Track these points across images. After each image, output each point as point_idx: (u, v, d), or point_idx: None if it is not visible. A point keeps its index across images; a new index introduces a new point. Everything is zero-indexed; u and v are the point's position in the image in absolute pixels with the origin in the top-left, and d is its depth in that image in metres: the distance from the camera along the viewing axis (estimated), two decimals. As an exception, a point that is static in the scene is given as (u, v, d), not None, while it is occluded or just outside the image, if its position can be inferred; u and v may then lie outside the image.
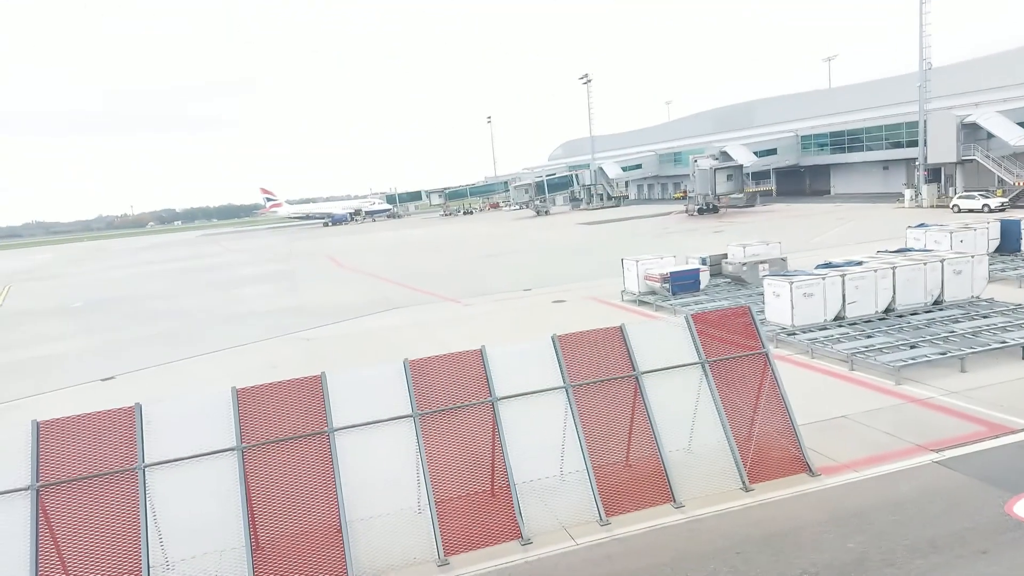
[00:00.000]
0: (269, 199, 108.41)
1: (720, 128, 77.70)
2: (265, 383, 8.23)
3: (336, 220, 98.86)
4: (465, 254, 41.77)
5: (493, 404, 8.46)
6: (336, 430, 8.00)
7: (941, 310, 16.00)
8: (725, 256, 22.37)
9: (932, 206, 43.19)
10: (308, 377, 8.32)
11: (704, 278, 20.94)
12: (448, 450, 8.31)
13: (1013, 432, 9.69)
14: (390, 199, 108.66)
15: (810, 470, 8.94)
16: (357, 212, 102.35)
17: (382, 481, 8.14)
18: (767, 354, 9.44)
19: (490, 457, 8.38)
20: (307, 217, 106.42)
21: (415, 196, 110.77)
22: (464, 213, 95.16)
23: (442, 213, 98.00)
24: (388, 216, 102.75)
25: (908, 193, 46.02)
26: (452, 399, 8.44)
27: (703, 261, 21.69)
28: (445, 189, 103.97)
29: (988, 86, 48.64)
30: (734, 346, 9.51)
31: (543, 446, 8.64)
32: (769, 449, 9.06)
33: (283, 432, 7.91)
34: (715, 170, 53.30)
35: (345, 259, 45.64)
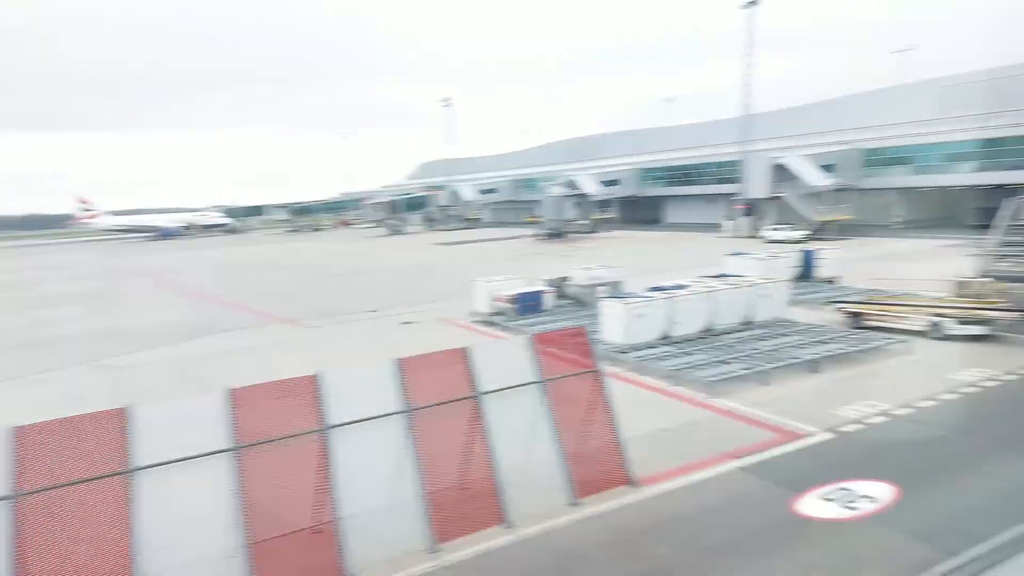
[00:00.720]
0: (85, 208, 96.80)
1: (570, 158, 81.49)
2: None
3: (166, 234, 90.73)
4: (310, 273, 40.33)
5: (324, 433, 8.05)
6: (136, 470, 7.20)
7: (750, 330, 17.97)
8: (567, 279, 23.67)
9: (748, 236, 47.99)
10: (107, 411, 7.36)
11: (548, 299, 22.04)
12: (269, 486, 7.67)
13: (800, 437, 11.13)
14: (231, 213, 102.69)
15: (632, 482, 9.60)
16: (190, 226, 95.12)
17: (186, 525, 7.37)
18: (600, 372, 10.04)
19: (317, 491, 7.92)
20: (131, 230, 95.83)
21: (256, 211, 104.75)
22: (313, 230, 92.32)
23: (288, 229, 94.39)
24: (226, 231, 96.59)
25: (728, 224, 51.08)
26: (280, 430, 7.92)
27: (548, 283, 22.86)
28: (292, 204, 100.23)
29: (796, 132, 55.13)
30: (571, 364, 10.02)
31: (378, 475, 8.35)
32: (597, 463, 9.61)
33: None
34: (564, 198, 56.06)
35: (172, 277, 42.29)
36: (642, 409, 12.52)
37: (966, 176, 44.64)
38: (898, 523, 8.32)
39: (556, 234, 55.23)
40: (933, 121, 46.26)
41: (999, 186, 38.82)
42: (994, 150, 42.50)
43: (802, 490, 9.24)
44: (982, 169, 43.07)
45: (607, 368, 11.12)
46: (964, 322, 16.59)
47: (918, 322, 17.19)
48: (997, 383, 13.53)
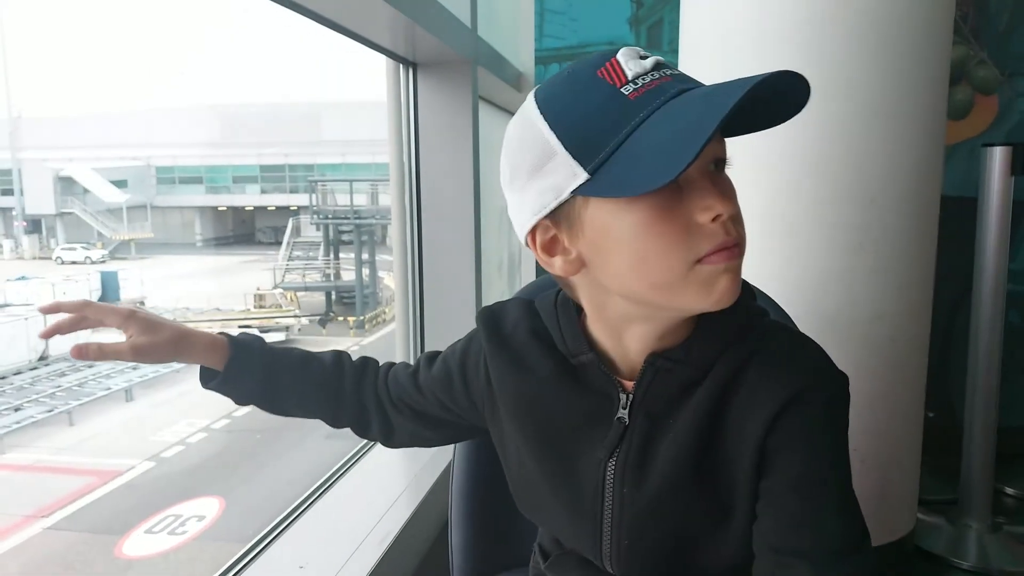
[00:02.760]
0: None
1: None
2: None
3: None
4: None
5: None
6: None
7: (47, 365, 15.70)
8: None
9: (35, 258, 42.04)
10: None
11: None
12: None
13: (119, 474, 10.31)
14: None
15: None
16: None
17: None
18: None
19: None
20: None
21: None
22: None
23: None
24: None
25: (7, 244, 43.48)
26: None
27: None
28: None
29: (85, 143, 50.95)
30: None
31: None
32: None
33: None
34: None
35: None
36: None
37: (256, 197, 49.69)
38: (223, 533, 8.49)
39: None
40: (220, 144, 49.77)
41: (284, 207, 44.60)
42: (273, 175, 48.59)
43: (127, 531, 8.53)
44: (266, 191, 48.71)
45: None
46: (265, 331, 18.33)
47: (227, 335, 18.14)
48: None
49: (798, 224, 1.68)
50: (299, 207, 31.00)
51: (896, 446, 1.87)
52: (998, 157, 1.96)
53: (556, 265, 0.67)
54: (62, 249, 41.12)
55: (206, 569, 7.89)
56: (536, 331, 0.75)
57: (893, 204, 1.69)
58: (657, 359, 0.68)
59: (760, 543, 0.67)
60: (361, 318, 19.06)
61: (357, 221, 20.12)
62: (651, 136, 0.57)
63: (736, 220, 0.62)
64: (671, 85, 0.59)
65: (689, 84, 0.60)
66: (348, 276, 21.08)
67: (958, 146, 2.57)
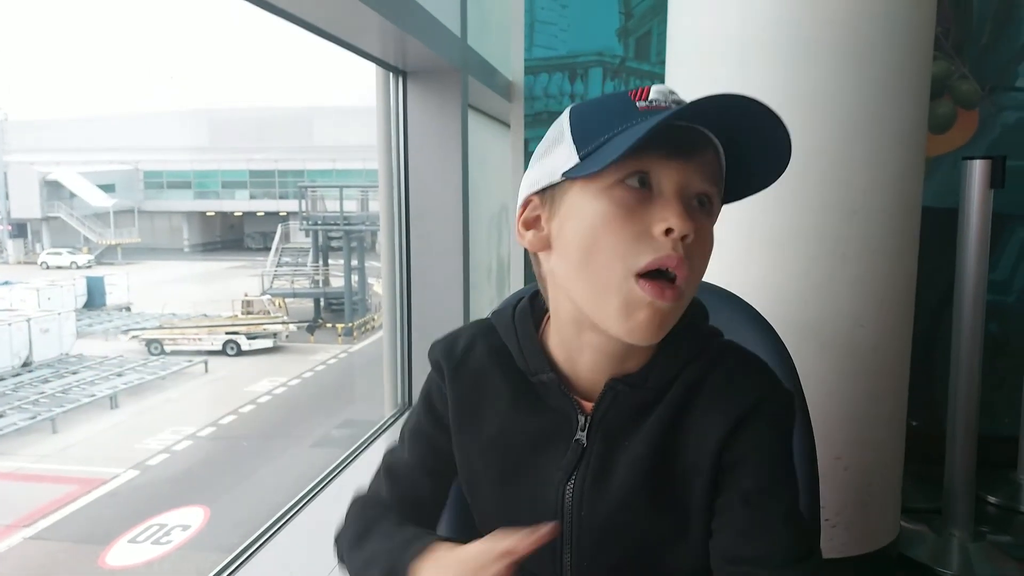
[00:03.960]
0: None
1: None
2: None
3: None
4: None
5: None
6: None
7: (31, 372, 15.51)
8: None
9: (19, 262, 41.59)
10: None
11: None
12: None
13: (103, 483, 10.19)
14: None
15: None
16: None
17: None
18: None
19: None
20: None
21: None
22: None
23: None
24: None
25: (-9, 248, 43.01)
26: None
27: None
28: None
29: (72, 147, 50.53)
30: None
31: None
32: None
33: None
34: None
35: None
36: None
37: (245, 202, 49.44)
38: (208, 542, 8.41)
39: None
40: (209, 149, 49.52)
41: (273, 213, 44.41)
42: (263, 180, 48.38)
43: (110, 540, 8.42)
44: (255, 197, 48.46)
45: None
46: (253, 337, 18.21)
47: (215, 342, 18.02)
48: (285, 388, 15.32)
49: (781, 234, 1.70)
50: (288, 213, 30.89)
51: (879, 455, 1.89)
52: (978, 170, 1.99)
53: (527, 238, 0.71)
54: (47, 254, 40.65)
55: (190, 578, 7.81)
56: (494, 349, 0.76)
57: (875, 215, 1.71)
58: (617, 383, 0.70)
59: (717, 557, 0.69)
60: (349, 325, 18.99)
61: (347, 227, 20.08)
62: (629, 133, 0.62)
63: (689, 250, 0.63)
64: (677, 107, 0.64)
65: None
66: (337, 283, 21.02)
67: (940, 158, 2.60)
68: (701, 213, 0.65)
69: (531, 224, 0.71)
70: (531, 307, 0.76)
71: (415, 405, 0.83)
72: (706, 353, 0.72)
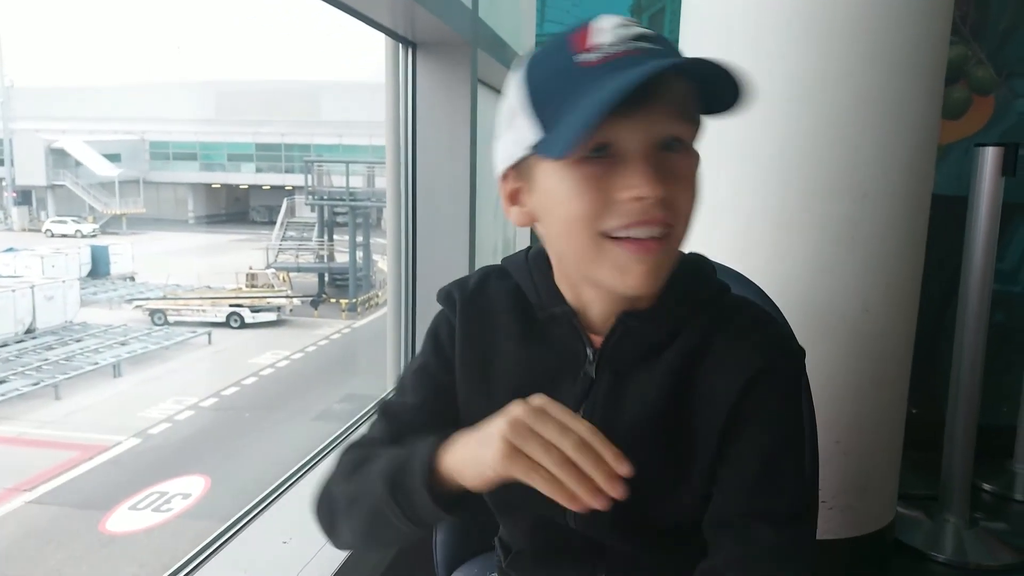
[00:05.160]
0: None
1: None
2: None
3: None
4: None
5: None
6: None
7: (34, 338, 15.61)
8: None
9: (24, 229, 41.66)
10: None
11: None
12: None
13: (104, 450, 10.29)
14: None
15: None
16: None
17: None
18: None
19: None
20: None
21: None
22: None
23: None
24: None
25: (-3, 215, 43.04)
26: None
27: None
28: None
29: (79, 116, 50.36)
30: None
31: None
32: None
33: None
34: None
35: None
36: None
37: (251, 176, 49.33)
38: (207, 511, 8.50)
39: None
40: (216, 121, 49.32)
41: (279, 187, 44.33)
42: (269, 154, 48.22)
43: (111, 507, 8.52)
44: (261, 170, 48.34)
45: None
46: (256, 310, 18.26)
47: (218, 314, 18.08)
48: (288, 361, 15.39)
49: (789, 217, 1.69)
50: (294, 187, 30.84)
51: (879, 440, 1.89)
52: (990, 157, 1.97)
53: (513, 214, 0.71)
54: (52, 222, 40.63)
55: (189, 547, 7.91)
56: (504, 288, 0.76)
57: (885, 200, 1.70)
58: (629, 318, 0.69)
59: (721, 504, 0.70)
60: (354, 301, 19.03)
61: (352, 203, 20.04)
62: (585, 106, 0.58)
63: (667, 204, 0.62)
64: (641, 59, 0.59)
65: (661, 58, 0.60)
66: (342, 258, 21.02)
67: (954, 145, 2.58)
68: (676, 155, 0.63)
69: (514, 198, 0.70)
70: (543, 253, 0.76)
71: (421, 348, 0.81)
72: (718, 302, 0.72)
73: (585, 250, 0.65)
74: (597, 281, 0.67)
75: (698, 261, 0.74)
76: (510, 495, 0.76)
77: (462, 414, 0.77)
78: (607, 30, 0.61)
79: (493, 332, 0.75)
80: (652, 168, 0.61)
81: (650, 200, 0.61)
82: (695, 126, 0.65)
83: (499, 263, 0.79)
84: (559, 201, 0.64)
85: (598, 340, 0.71)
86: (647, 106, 0.60)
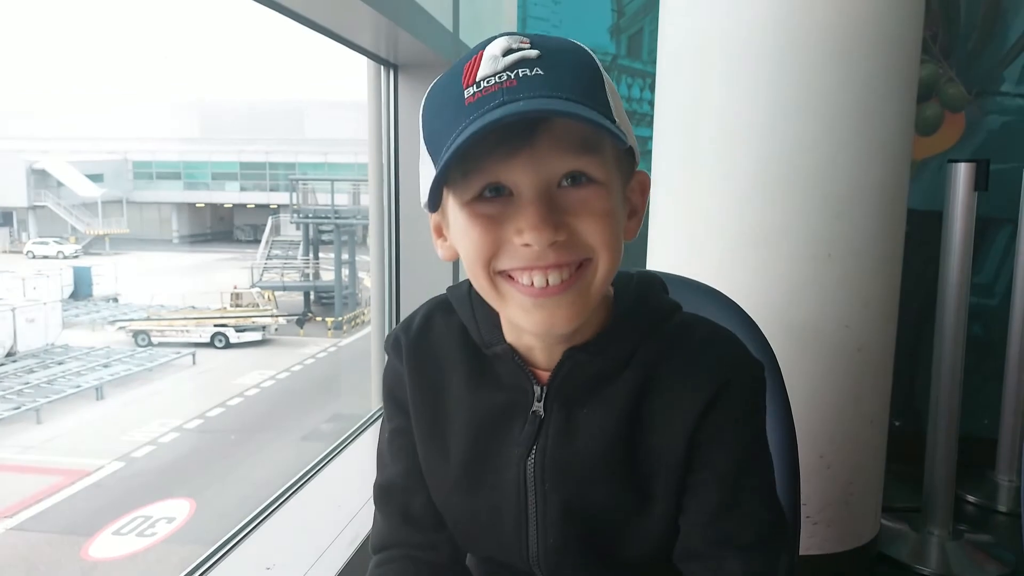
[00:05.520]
0: None
1: None
2: None
3: None
4: None
5: None
6: None
7: (15, 361, 15.39)
8: None
9: (5, 251, 41.20)
10: None
11: None
12: None
13: (86, 474, 10.13)
14: None
15: None
16: None
17: None
18: None
19: None
20: None
21: None
22: None
23: None
24: None
25: (-23, 237, 42.56)
26: None
27: None
28: None
29: (61, 136, 50.05)
30: None
31: None
32: None
33: None
34: None
35: None
36: None
37: (235, 194, 49.10)
38: (193, 535, 8.38)
39: None
40: (200, 140, 49.14)
41: (263, 205, 44.14)
42: (254, 172, 48.07)
43: (94, 532, 8.38)
44: (245, 189, 48.14)
45: None
46: (241, 330, 18.12)
47: (203, 334, 17.92)
48: (273, 381, 15.26)
49: (767, 234, 1.71)
50: (279, 205, 30.74)
51: (862, 453, 1.91)
52: (963, 173, 2.00)
53: (438, 247, 0.70)
54: (34, 243, 40.19)
55: (174, 572, 7.79)
56: (450, 324, 0.74)
57: (861, 216, 1.72)
58: (576, 352, 0.67)
59: (688, 533, 0.68)
60: (339, 319, 18.94)
61: (338, 221, 20.01)
62: (445, 156, 0.57)
63: (571, 244, 0.59)
64: (499, 95, 0.56)
65: (516, 95, 0.56)
66: (328, 276, 20.94)
67: (927, 161, 2.63)
68: (581, 190, 0.59)
69: (439, 232, 0.69)
70: None
71: (384, 412, 0.79)
72: (669, 325, 0.69)
73: (489, 289, 0.63)
74: (509, 319, 0.66)
75: (647, 281, 0.72)
76: (471, 538, 0.76)
77: (421, 460, 0.75)
78: (487, 60, 0.57)
79: (442, 374, 0.73)
80: (544, 211, 0.57)
81: (537, 249, 0.58)
82: (601, 155, 0.60)
83: (445, 294, 0.76)
84: (459, 239, 0.63)
85: (545, 376, 0.68)
86: (532, 144, 0.57)
